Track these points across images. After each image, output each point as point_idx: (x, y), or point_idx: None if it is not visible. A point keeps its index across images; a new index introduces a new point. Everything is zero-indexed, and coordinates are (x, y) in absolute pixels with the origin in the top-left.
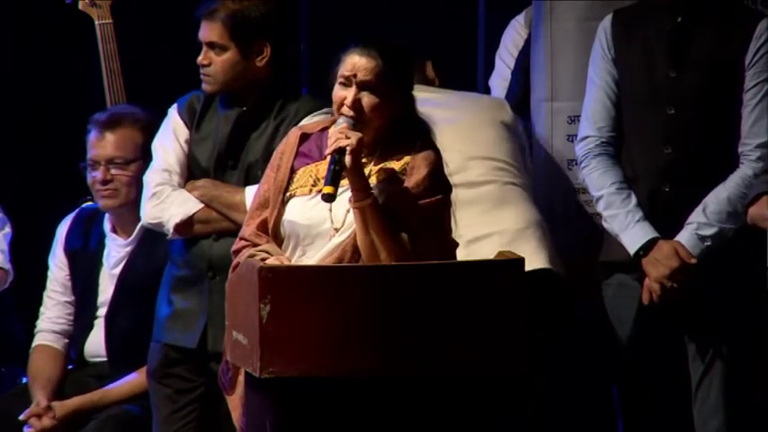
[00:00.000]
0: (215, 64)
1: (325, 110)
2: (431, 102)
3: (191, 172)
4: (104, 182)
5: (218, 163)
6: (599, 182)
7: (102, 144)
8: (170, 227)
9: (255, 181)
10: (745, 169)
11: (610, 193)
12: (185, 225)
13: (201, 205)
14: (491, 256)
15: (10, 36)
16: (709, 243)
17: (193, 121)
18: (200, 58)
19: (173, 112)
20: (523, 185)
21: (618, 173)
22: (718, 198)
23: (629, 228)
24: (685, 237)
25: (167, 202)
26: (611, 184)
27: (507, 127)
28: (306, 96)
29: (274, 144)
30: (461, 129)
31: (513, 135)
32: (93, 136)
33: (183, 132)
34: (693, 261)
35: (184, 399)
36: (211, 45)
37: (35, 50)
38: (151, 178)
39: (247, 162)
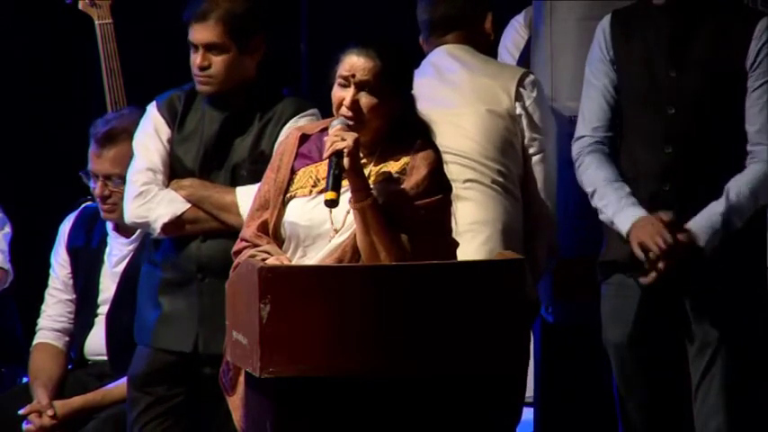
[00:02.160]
0: (215, 65)
1: (309, 111)
2: (448, 71)
3: (174, 172)
4: (103, 197)
5: (203, 163)
6: (593, 177)
7: (100, 160)
8: (157, 226)
9: (241, 182)
10: (761, 166)
11: (603, 185)
12: (173, 225)
13: (189, 205)
14: None
15: (10, 36)
16: (720, 221)
17: (175, 120)
18: (198, 61)
19: (152, 110)
20: (491, 181)
21: (612, 169)
22: (739, 187)
23: (622, 210)
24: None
25: (154, 201)
26: (605, 179)
27: (499, 116)
28: (290, 98)
29: (260, 145)
30: (449, 116)
31: (503, 124)
32: (91, 149)
33: (165, 131)
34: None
35: (162, 407)
36: (210, 46)
37: (35, 50)
38: (136, 178)
39: (233, 163)
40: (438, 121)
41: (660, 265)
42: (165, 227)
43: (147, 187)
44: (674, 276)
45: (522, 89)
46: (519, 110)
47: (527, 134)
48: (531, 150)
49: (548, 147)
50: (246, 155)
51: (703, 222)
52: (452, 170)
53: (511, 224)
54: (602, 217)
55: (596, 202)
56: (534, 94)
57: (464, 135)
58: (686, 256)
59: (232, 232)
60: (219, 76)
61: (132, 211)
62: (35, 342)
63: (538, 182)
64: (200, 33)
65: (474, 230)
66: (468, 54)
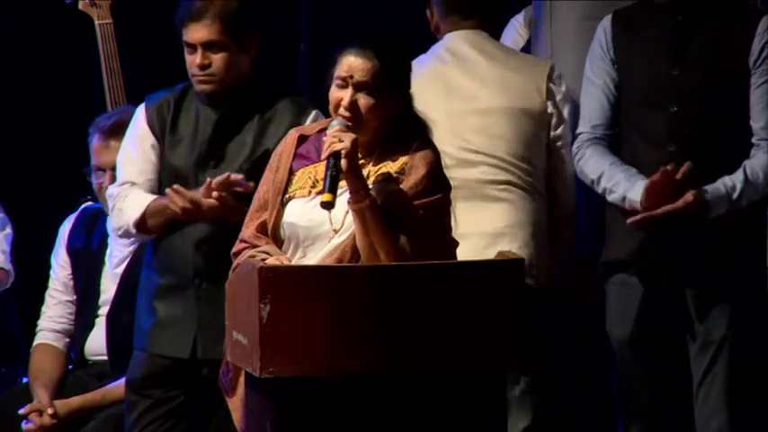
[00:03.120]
0: (215, 63)
1: (313, 114)
2: (468, 61)
3: (167, 176)
4: None
5: (198, 163)
6: (597, 164)
7: (108, 151)
8: (131, 228)
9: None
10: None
11: (610, 168)
12: (143, 222)
13: (151, 198)
14: (470, 257)
15: (10, 36)
16: (726, 190)
17: (164, 128)
18: (198, 61)
19: (141, 119)
20: (524, 182)
21: (614, 157)
22: (753, 167)
23: (634, 185)
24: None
25: (124, 207)
26: (611, 163)
27: (531, 115)
28: (290, 97)
29: (263, 144)
30: (477, 114)
31: (533, 122)
32: (97, 142)
33: (151, 139)
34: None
35: (161, 410)
36: (209, 45)
37: (35, 50)
38: (111, 192)
39: (232, 161)
40: (463, 119)
41: (666, 207)
42: (137, 225)
43: (119, 197)
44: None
45: (552, 85)
46: (551, 108)
47: (557, 130)
48: (559, 144)
49: (569, 139)
50: (248, 154)
51: (714, 185)
52: (484, 171)
53: (542, 224)
54: (611, 197)
55: (604, 183)
56: (563, 89)
57: (497, 135)
58: (692, 208)
59: (227, 236)
60: (220, 74)
61: (113, 223)
62: (35, 343)
63: (565, 175)
64: (198, 32)
65: (511, 234)
66: (488, 43)
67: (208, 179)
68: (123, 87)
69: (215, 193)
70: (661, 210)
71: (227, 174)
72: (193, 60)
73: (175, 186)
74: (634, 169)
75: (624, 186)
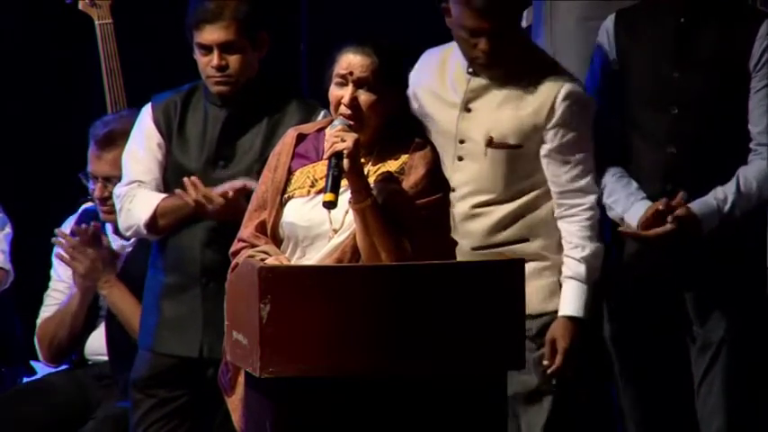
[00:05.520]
0: (232, 64)
1: (322, 114)
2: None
3: (175, 176)
4: (102, 199)
5: (207, 163)
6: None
7: (100, 162)
8: (142, 229)
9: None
10: (765, 164)
11: (611, 182)
12: (153, 222)
13: (161, 198)
14: None
15: (10, 36)
16: (717, 204)
17: (171, 128)
18: (215, 62)
19: (147, 119)
20: None
21: (617, 167)
22: (746, 177)
23: (632, 206)
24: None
25: (133, 206)
26: (612, 175)
27: None
28: (297, 98)
29: (272, 143)
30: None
31: None
32: (91, 150)
33: (157, 138)
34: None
35: (165, 409)
36: (226, 46)
37: (35, 50)
38: (119, 192)
39: (243, 162)
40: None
41: (656, 230)
42: (148, 226)
43: (128, 196)
44: (669, 254)
45: None
46: None
47: None
48: None
49: None
50: (257, 154)
51: (705, 199)
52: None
53: None
54: (610, 214)
55: (605, 198)
56: None
57: None
58: (683, 227)
59: (234, 236)
60: (237, 75)
61: (122, 224)
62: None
63: None
64: (215, 34)
65: None
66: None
67: (226, 190)
68: (123, 87)
69: (230, 194)
70: (653, 232)
71: (242, 182)
72: (209, 62)
73: (193, 178)
74: (634, 184)
75: (623, 206)
